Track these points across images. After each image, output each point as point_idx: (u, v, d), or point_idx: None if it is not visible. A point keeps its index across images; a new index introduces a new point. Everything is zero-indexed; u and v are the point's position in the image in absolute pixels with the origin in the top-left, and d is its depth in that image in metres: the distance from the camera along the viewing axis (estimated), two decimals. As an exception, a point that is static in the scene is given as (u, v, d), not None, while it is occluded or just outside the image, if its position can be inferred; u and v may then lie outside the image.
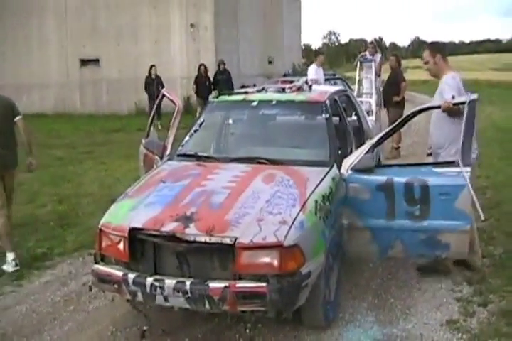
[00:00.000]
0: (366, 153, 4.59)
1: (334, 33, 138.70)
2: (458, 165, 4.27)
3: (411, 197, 4.38)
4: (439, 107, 4.82)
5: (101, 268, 3.94)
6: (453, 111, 4.72)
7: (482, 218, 4.15)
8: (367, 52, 12.20)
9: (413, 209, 4.39)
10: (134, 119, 18.67)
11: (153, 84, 16.69)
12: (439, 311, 4.44)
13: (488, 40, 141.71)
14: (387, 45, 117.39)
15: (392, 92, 10.78)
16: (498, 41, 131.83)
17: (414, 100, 17.94)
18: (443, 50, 5.25)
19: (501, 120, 16.11)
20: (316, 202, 3.97)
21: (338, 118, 5.32)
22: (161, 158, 5.17)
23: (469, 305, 4.49)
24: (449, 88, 4.89)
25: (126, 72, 21.35)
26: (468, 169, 4.24)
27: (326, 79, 11.91)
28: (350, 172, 4.51)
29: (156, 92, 16.42)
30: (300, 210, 3.80)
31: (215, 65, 18.56)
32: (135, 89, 19.29)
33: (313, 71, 10.71)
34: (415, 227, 4.41)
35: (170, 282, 3.62)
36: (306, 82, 5.63)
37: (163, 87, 16.51)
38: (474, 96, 4.53)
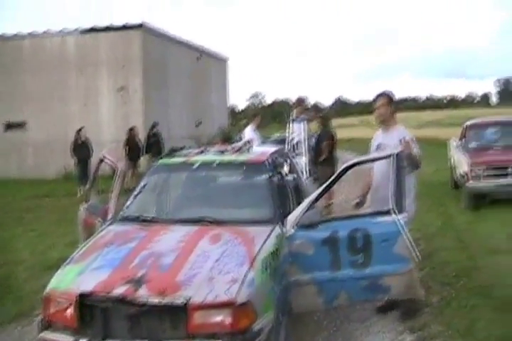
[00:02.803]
0: (307, 209, 4.75)
1: (259, 94, 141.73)
2: (393, 213, 4.62)
3: (354, 247, 4.60)
4: (367, 161, 5.23)
5: (48, 335, 3.86)
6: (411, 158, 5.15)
7: (417, 259, 4.64)
8: (296, 110, 12.54)
9: (356, 258, 4.62)
10: (62, 184, 18.35)
11: (82, 148, 16.55)
12: (385, 361, 4.54)
13: (407, 99, 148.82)
14: (311, 104, 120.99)
15: (319, 151, 11.18)
16: (416, 99, 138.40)
17: (340, 158, 18.45)
18: (393, 101, 5.64)
19: (427, 175, 16.71)
20: (264, 259, 4.07)
21: (278, 178, 5.50)
22: (104, 221, 5.16)
23: (414, 353, 4.62)
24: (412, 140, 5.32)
25: (54, 136, 21.13)
26: (404, 215, 4.62)
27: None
28: (294, 228, 4.66)
29: (85, 156, 16.32)
30: (249, 268, 3.88)
31: (144, 128, 18.67)
32: (63, 152, 19.05)
33: (250, 132, 10.96)
34: (358, 275, 4.63)
35: None
36: (246, 143, 5.79)
37: (91, 150, 16.41)
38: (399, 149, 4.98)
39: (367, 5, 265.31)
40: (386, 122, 5.57)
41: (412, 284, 4.90)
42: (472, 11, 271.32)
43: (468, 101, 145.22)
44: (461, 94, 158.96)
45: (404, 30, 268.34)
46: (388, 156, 4.97)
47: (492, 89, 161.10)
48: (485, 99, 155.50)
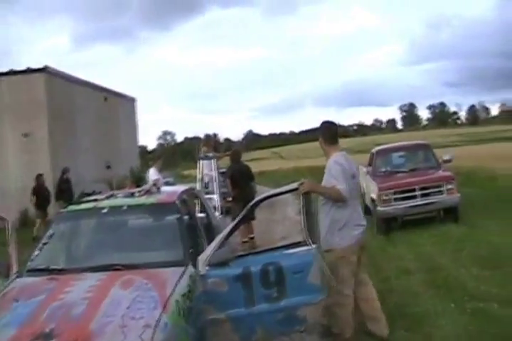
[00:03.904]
0: (219, 247, 4.77)
1: (169, 133, 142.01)
2: (306, 244, 4.72)
3: (267, 281, 4.65)
4: (274, 196, 5.29)
5: None
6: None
7: (334, 284, 4.81)
8: (205, 148, 12.72)
9: (270, 291, 4.67)
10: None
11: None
12: None
13: (317, 129, 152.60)
14: (222, 140, 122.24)
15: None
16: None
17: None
18: (323, 132, 5.60)
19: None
20: (177, 302, 4.05)
21: (188, 217, 5.51)
22: (7, 277, 4.94)
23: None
24: (329, 174, 5.25)
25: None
26: (315, 246, 4.71)
27: None
28: (207, 268, 4.67)
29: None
30: (162, 312, 3.85)
31: (52, 174, 18.19)
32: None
33: (154, 173, 11.16)
34: (274, 309, 4.67)
35: None
36: (155, 185, 5.78)
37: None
38: (306, 181, 5.04)
39: (269, 40, 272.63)
40: (324, 154, 5.58)
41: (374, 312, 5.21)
42: (372, 41, 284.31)
43: (375, 128, 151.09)
44: (367, 121, 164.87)
45: (306, 63, 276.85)
46: (296, 189, 5.05)
47: (397, 115, 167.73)
48: (391, 124, 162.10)
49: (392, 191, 11.41)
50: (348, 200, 5.20)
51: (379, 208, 11.39)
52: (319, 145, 5.58)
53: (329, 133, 5.61)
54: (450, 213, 11.70)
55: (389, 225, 11.53)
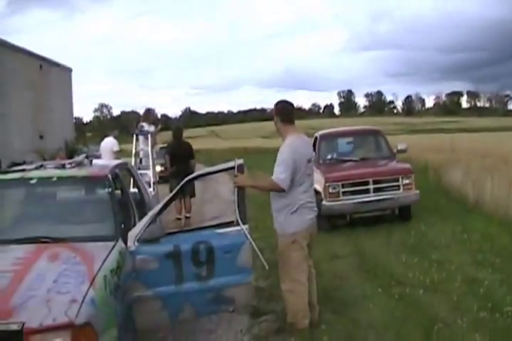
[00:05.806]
0: (150, 224, 4.68)
1: (106, 106, 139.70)
2: (237, 224, 4.70)
3: (197, 259, 4.63)
4: (208, 174, 5.34)
5: None
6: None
7: (266, 267, 4.82)
8: (144, 123, 12.50)
9: (200, 270, 4.65)
10: None
11: None
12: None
13: (255, 110, 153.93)
14: (159, 116, 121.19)
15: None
16: (263, 110, 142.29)
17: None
18: (278, 111, 5.19)
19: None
20: (105, 277, 3.94)
21: (120, 192, 5.38)
22: None
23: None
24: (278, 158, 4.99)
25: None
26: (247, 226, 4.70)
27: None
28: (136, 244, 4.57)
29: None
30: (89, 287, 3.73)
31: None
32: None
33: (115, 144, 12.66)
34: (203, 288, 4.66)
35: None
36: (87, 157, 5.63)
37: None
38: (240, 161, 4.98)
39: (213, 18, 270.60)
40: (279, 134, 5.25)
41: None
42: (315, 27, 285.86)
43: (313, 112, 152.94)
44: (305, 105, 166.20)
45: (249, 44, 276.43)
46: (231, 168, 4.98)
47: (335, 101, 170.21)
48: (329, 109, 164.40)
49: (341, 183, 9.74)
50: (300, 185, 5.00)
51: (324, 203, 9.54)
52: (274, 125, 5.23)
53: (284, 112, 5.20)
54: (405, 212, 10.24)
55: (336, 222, 10.02)
